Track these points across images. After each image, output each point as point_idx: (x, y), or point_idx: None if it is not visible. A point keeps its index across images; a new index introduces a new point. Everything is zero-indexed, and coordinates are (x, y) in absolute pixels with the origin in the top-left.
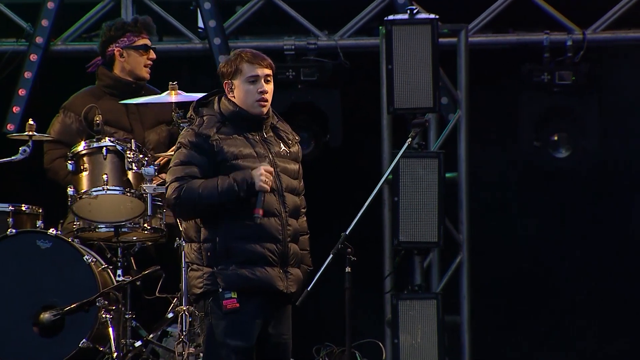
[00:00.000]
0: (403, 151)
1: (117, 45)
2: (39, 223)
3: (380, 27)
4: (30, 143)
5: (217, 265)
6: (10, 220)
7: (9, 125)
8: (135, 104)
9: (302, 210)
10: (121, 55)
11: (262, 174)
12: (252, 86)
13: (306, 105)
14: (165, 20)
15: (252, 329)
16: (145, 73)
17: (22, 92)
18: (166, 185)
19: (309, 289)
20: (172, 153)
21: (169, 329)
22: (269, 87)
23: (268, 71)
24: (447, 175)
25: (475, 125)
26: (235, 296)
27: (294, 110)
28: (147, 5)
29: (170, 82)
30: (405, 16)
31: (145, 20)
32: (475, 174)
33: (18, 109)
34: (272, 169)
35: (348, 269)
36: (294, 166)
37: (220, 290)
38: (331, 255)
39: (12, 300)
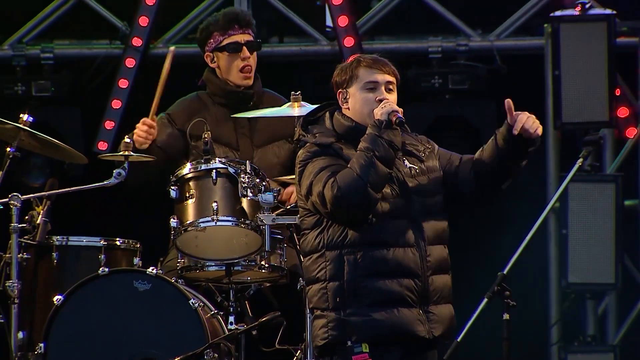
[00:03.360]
0: (573, 174)
1: (207, 48)
2: (136, 260)
3: (545, 25)
4: (126, 165)
5: (345, 309)
6: (102, 257)
7: (100, 144)
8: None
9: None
10: (212, 60)
11: (380, 106)
12: (371, 94)
13: (455, 120)
14: (287, 18)
15: None
16: (239, 79)
17: (116, 103)
18: (318, 196)
19: (458, 339)
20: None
21: None
22: (391, 97)
23: (390, 78)
24: (626, 202)
25: None
26: (367, 350)
27: (440, 125)
28: (266, 1)
29: (293, 92)
30: (576, 12)
31: (233, 13)
32: None
33: (112, 124)
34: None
35: (506, 316)
36: (429, 182)
37: (349, 343)
38: (485, 299)
39: (105, 352)
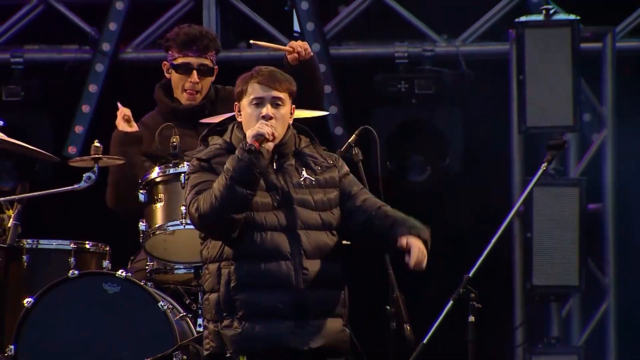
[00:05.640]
0: (537, 178)
1: (166, 58)
2: (105, 263)
3: (510, 31)
4: (95, 169)
5: (222, 321)
6: (72, 260)
7: (70, 148)
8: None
9: (383, 206)
10: (167, 70)
11: (256, 127)
12: (257, 109)
13: (421, 124)
14: (254, 22)
15: None
16: (183, 99)
17: (85, 108)
18: (189, 213)
19: (424, 341)
20: None
21: None
22: (279, 112)
23: (278, 94)
24: (590, 206)
25: (624, 147)
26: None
27: (406, 129)
28: (233, 5)
29: None
30: (540, 17)
31: (192, 34)
32: (622, 205)
33: (81, 128)
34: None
35: (471, 318)
36: (323, 196)
37: (228, 355)
38: (451, 302)
39: (75, 353)
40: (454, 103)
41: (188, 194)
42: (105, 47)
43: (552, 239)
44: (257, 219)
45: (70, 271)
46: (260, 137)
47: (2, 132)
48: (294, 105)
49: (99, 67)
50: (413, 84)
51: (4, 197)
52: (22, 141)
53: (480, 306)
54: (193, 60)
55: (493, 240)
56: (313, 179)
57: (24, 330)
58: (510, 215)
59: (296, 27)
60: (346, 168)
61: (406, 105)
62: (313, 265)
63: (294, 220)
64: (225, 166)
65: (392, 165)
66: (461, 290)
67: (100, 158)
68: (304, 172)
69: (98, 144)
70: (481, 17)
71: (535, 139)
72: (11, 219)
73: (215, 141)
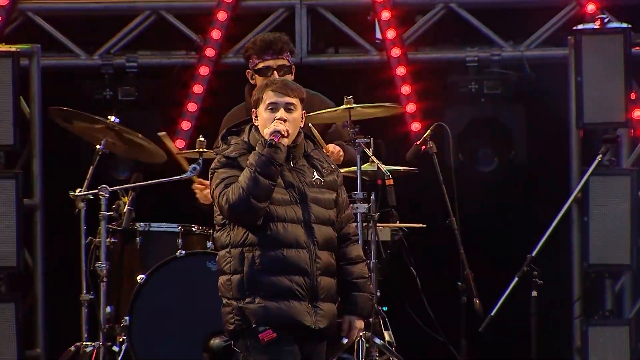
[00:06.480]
0: (593, 168)
1: (248, 66)
2: (209, 244)
3: (569, 37)
4: (200, 160)
5: (244, 299)
6: (179, 241)
7: (178, 142)
8: None
9: (353, 237)
10: (251, 77)
11: (272, 125)
12: (272, 114)
13: (489, 120)
14: (342, 31)
15: (292, 356)
16: None
17: (191, 106)
18: (218, 204)
19: (492, 314)
20: (348, 169)
21: (344, 356)
22: (291, 116)
23: (291, 100)
24: None
25: None
26: (269, 328)
27: (475, 125)
28: (322, 15)
29: (346, 96)
30: (595, 25)
31: (267, 40)
32: None
33: (188, 125)
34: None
35: (534, 293)
36: (329, 196)
37: (254, 325)
38: (516, 279)
39: (181, 325)
40: (519, 101)
41: (216, 187)
42: (209, 52)
43: (606, 222)
44: (279, 212)
45: (178, 251)
46: (277, 134)
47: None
48: (304, 111)
49: (203, 70)
50: (482, 84)
51: (120, 185)
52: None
53: (542, 283)
54: (271, 63)
55: (554, 224)
56: (322, 180)
57: (137, 303)
58: (569, 202)
59: (378, 35)
60: (341, 178)
61: (476, 104)
62: (323, 255)
63: (309, 215)
64: (248, 161)
65: (463, 157)
66: (525, 268)
67: (204, 151)
68: (315, 173)
69: (202, 139)
70: (543, 26)
71: (591, 133)
72: (126, 205)
73: (236, 140)
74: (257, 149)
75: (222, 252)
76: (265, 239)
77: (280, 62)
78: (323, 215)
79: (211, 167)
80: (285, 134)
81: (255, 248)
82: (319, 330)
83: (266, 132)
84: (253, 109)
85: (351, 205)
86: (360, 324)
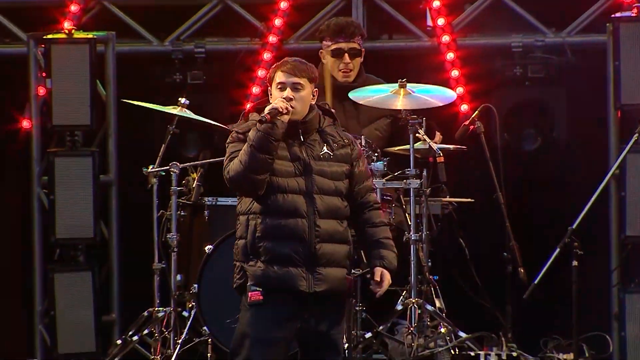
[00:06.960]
0: (630, 146)
1: (321, 47)
2: None
3: (608, 24)
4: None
5: (247, 261)
6: None
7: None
8: (353, 102)
9: (375, 205)
10: (323, 57)
11: (272, 103)
12: (280, 92)
13: (533, 102)
14: (396, 19)
15: (276, 323)
16: (340, 77)
17: (255, 89)
18: (224, 176)
19: (535, 282)
20: (401, 148)
21: (398, 321)
22: (299, 94)
23: (297, 80)
24: None
25: None
26: (260, 289)
27: (520, 106)
28: (378, 5)
29: (400, 80)
30: (632, 13)
31: (341, 24)
32: None
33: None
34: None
35: (575, 263)
36: (338, 168)
37: (249, 284)
38: (557, 249)
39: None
40: (561, 84)
41: (225, 160)
42: (272, 39)
43: None
44: (281, 183)
45: None
46: (273, 111)
47: (188, 109)
48: (316, 89)
49: (266, 56)
50: (526, 68)
51: (189, 162)
52: (204, 117)
53: (582, 253)
54: (344, 45)
55: (593, 198)
56: (331, 154)
57: (205, 272)
58: (608, 177)
59: (429, 22)
60: (359, 152)
61: (520, 87)
62: (325, 224)
63: (311, 186)
64: (248, 136)
65: (509, 136)
66: (566, 239)
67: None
68: (325, 148)
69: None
70: (583, 13)
71: (628, 113)
72: (195, 181)
73: (254, 117)
74: (257, 124)
75: (237, 220)
76: (267, 208)
77: (351, 45)
78: (328, 186)
79: (226, 141)
80: (284, 111)
81: (258, 216)
82: (315, 293)
83: (266, 109)
84: (268, 88)
85: (404, 180)
86: (389, 276)
